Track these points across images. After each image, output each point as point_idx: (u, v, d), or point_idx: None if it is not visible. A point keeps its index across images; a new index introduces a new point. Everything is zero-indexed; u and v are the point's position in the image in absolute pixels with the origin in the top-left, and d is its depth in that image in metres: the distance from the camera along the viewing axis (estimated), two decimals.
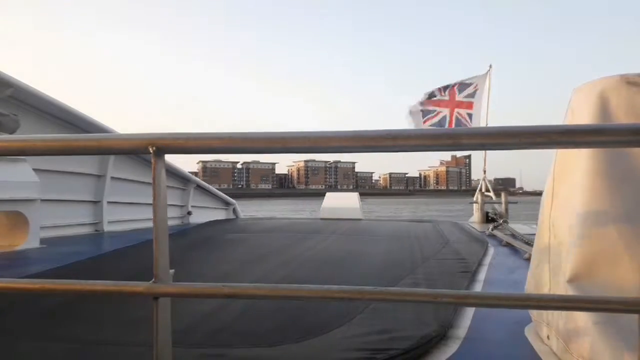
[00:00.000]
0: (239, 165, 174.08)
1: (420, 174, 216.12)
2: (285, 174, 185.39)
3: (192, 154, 1.14)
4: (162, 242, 1.13)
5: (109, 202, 7.73)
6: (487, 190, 9.88)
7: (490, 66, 10.35)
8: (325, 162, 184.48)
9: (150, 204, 1.12)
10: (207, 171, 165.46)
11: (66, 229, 6.89)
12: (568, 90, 2.06)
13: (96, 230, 7.57)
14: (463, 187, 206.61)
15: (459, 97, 10.36)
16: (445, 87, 10.48)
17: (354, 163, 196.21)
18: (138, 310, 2.50)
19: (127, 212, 8.19)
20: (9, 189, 5.27)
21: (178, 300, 2.48)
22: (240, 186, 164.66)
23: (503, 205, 8.94)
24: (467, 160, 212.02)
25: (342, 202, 9.90)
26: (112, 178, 7.77)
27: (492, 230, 6.97)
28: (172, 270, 1.15)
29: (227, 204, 11.37)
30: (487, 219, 9.05)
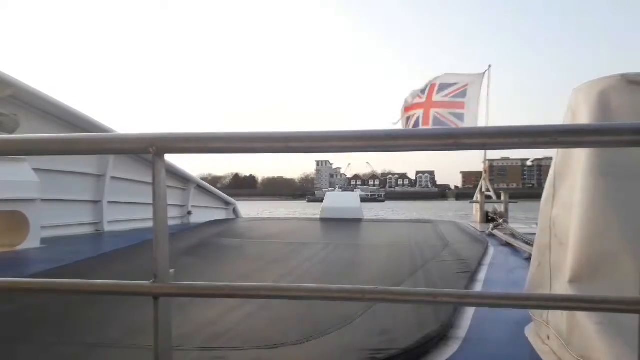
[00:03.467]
0: (529, 163, 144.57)
1: None
2: None
3: (193, 154, 1.13)
4: (162, 242, 1.12)
5: (109, 202, 7.72)
6: (488, 190, 9.87)
7: (490, 66, 10.32)
8: None
9: (151, 204, 1.12)
10: (494, 170, 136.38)
11: (66, 229, 6.89)
12: (569, 89, 2.05)
13: (96, 230, 7.56)
14: None
15: (436, 97, 10.25)
16: (422, 90, 10.40)
17: None
18: (139, 312, 2.50)
19: (127, 212, 8.18)
20: (9, 189, 5.26)
21: (179, 305, 2.48)
22: (530, 185, 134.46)
23: (503, 205, 8.95)
24: None
25: (342, 202, 9.88)
26: (112, 178, 7.77)
27: (492, 230, 6.97)
28: (172, 270, 1.15)
29: (227, 204, 11.37)
30: (487, 219, 9.04)
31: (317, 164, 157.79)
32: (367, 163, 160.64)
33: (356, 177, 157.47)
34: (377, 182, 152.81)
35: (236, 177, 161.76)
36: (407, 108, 10.45)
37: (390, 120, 10.83)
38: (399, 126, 10.47)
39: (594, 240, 1.76)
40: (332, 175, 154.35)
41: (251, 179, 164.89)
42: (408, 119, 10.43)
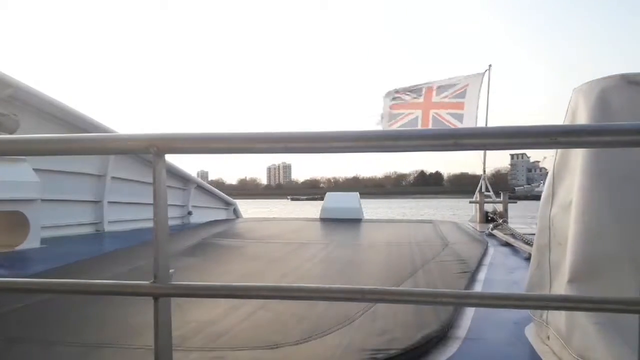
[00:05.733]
0: None
1: None
2: None
3: (193, 154, 1.14)
4: (162, 242, 1.12)
5: (109, 202, 7.72)
6: (487, 190, 9.88)
7: (490, 66, 10.30)
8: None
9: (151, 204, 1.12)
10: None
11: (67, 229, 6.88)
12: (569, 89, 2.05)
13: (97, 230, 7.56)
14: None
15: (436, 99, 10.28)
16: (414, 90, 10.41)
17: None
18: (139, 312, 2.50)
19: (128, 212, 8.18)
20: (9, 189, 5.26)
21: (179, 305, 2.48)
22: None
23: (502, 205, 8.95)
24: None
25: (342, 202, 9.86)
26: (113, 178, 7.77)
27: (492, 230, 6.97)
28: (172, 270, 1.15)
29: (228, 204, 11.38)
30: (487, 219, 9.04)
31: (512, 158, 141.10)
32: None
33: None
34: None
35: (421, 174, 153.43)
36: (396, 105, 10.44)
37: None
38: (382, 125, 10.43)
39: (591, 241, 1.76)
40: (529, 170, 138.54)
41: (437, 176, 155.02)
42: (397, 115, 10.42)
